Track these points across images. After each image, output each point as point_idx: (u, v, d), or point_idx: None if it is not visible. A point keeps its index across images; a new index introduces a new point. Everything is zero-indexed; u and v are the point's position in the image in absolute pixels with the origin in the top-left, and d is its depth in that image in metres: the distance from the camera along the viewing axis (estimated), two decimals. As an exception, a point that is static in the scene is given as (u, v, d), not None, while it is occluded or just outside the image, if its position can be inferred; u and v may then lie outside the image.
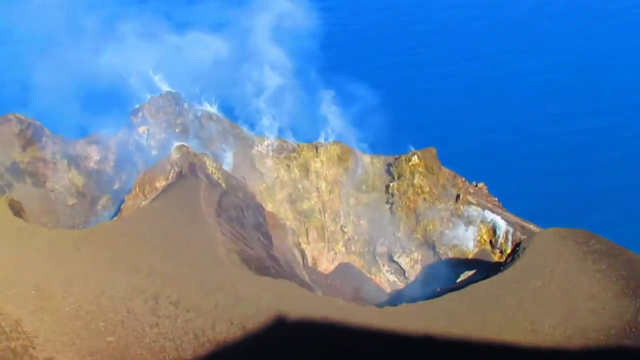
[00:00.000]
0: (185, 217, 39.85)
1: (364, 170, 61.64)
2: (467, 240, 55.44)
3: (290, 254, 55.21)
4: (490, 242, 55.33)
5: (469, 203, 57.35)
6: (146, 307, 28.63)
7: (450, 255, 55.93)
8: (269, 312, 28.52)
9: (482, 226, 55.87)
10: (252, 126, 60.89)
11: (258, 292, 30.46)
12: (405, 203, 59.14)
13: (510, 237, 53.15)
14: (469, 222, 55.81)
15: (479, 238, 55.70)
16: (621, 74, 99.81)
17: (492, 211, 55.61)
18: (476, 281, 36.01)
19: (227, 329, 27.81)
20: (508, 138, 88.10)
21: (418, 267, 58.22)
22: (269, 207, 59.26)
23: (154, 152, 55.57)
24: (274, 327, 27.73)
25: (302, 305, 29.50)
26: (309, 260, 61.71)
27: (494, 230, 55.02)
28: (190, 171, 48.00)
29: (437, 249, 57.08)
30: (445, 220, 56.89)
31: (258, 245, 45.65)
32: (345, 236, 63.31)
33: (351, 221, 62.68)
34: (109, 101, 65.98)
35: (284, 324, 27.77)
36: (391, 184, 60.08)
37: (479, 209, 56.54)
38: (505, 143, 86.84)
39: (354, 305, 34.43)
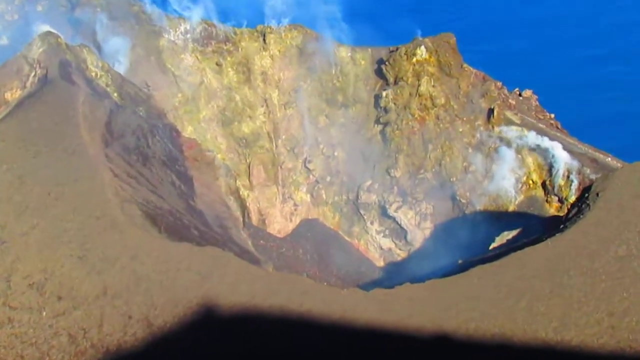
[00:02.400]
0: (52, 147, 35.94)
1: (340, 71, 58.54)
2: (506, 182, 51.65)
3: (223, 206, 50.89)
4: (543, 184, 50.94)
5: (509, 122, 53.12)
6: (-10, 291, 25.75)
7: (479, 206, 52.79)
8: (189, 300, 25.17)
9: (529, 159, 51.73)
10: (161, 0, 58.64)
11: (171, 267, 27.14)
12: (407, 123, 55.39)
13: (575, 177, 48.79)
14: (508, 153, 52.22)
15: (524, 178, 51.67)
16: None
17: (547, 135, 51.43)
18: (520, 248, 31.72)
19: (123, 327, 24.07)
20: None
21: (427, 225, 55.61)
22: (188, 131, 56.41)
23: (1, 42, 53.72)
24: (196, 324, 24.55)
25: (240, 288, 26.27)
26: (254, 215, 59.86)
27: (549, 166, 50.97)
28: (61, 74, 44.44)
29: (457, 197, 53.88)
30: (470, 150, 53.84)
31: (171, 193, 43.22)
32: (311, 177, 60.74)
33: (320, 153, 60.27)
34: None
35: (212, 320, 24.73)
36: (383, 93, 55.85)
37: (525, 131, 51.84)
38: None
39: (325, 287, 31.18)
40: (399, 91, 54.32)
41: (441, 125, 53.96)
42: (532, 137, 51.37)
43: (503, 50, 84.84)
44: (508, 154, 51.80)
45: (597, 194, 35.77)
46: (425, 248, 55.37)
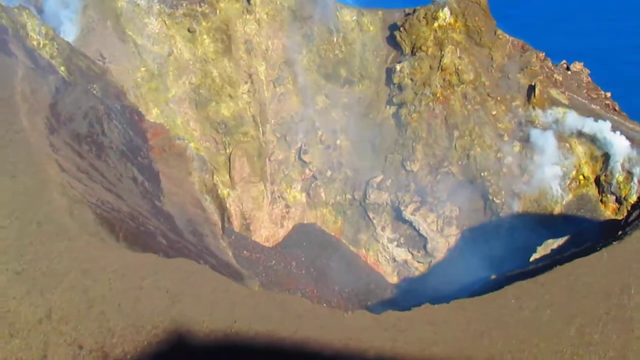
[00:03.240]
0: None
1: (344, 40, 59.33)
2: (550, 177, 52.55)
3: (197, 208, 50.57)
4: (597, 180, 51.65)
5: (554, 103, 53.30)
6: None
7: (518, 207, 53.50)
8: (154, 326, 24.13)
9: (580, 149, 52.62)
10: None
11: (132, 285, 26.11)
12: (426, 104, 56.00)
13: (637, 171, 49.43)
14: (553, 141, 52.83)
15: (573, 173, 52.67)
16: None
17: (601, 119, 51.34)
18: (569, 260, 30.15)
19: (72, 359, 23.09)
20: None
21: (452, 232, 56.06)
22: (153, 113, 56.74)
23: None
24: (163, 356, 23.48)
25: (219, 311, 25.37)
26: (236, 219, 60.81)
27: (604, 158, 51.78)
28: None
29: (489, 197, 54.78)
30: (506, 138, 54.53)
31: (132, 191, 42.97)
32: (307, 171, 61.47)
33: (319, 141, 61.18)
34: None
35: (182, 350, 23.75)
36: (397, 67, 56.71)
37: (574, 114, 52.37)
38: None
39: (325, 309, 30.75)
40: (416, 64, 54.54)
41: (469, 106, 54.29)
42: (583, 122, 51.85)
43: (547, 13, 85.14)
44: (553, 142, 52.05)
45: (666, 193, 34.92)
46: (449, 260, 55.53)
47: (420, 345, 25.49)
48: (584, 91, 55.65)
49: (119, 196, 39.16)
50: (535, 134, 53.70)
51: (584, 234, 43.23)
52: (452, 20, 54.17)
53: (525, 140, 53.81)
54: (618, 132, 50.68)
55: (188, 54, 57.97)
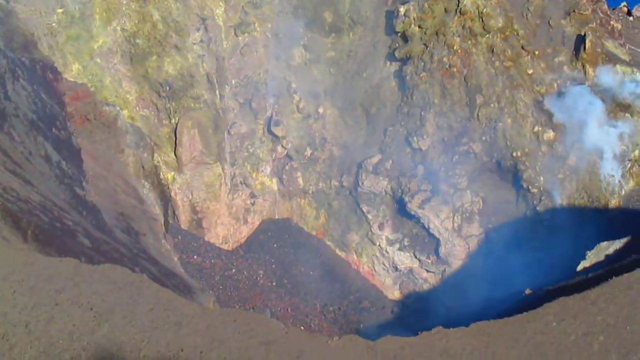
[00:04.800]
0: None
1: None
2: (605, 160, 52.60)
3: (131, 198, 52.18)
4: None
5: (611, 59, 53.49)
6: None
7: (561, 199, 53.79)
8: (74, 355, 23.63)
9: None
10: None
11: (44, 300, 25.39)
12: (440, 60, 56.50)
13: None
14: (608, 108, 53.05)
15: (636, 154, 52.49)
16: None
17: None
18: (629, 270, 30.07)
19: None
20: None
21: (473, 231, 56.31)
22: (73, 70, 56.67)
23: None
24: None
25: (160, 335, 24.98)
26: (184, 213, 61.33)
27: None
28: None
29: (523, 184, 54.82)
30: (543, 103, 54.50)
31: (45, 174, 42.70)
32: (280, 148, 62.27)
33: (295, 109, 61.82)
34: None
35: None
36: (401, 10, 57.35)
37: (638, 73, 52.80)
38: None
39: (303, 333, 29.84)
40: (427, 6, 54.67)
41: (497, 63, 53.89)
42: None
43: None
44: (610, 112, 52.45)
45: None
46: (469, 268, 55.65)
47: None
48: None
49: (27, 181, 39.19)
50: (584, 100, 52.96)
51: None
52: (473, -51, 52.77)
53: (575, 113, 52.88)
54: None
55: (118, -10, 56.24)
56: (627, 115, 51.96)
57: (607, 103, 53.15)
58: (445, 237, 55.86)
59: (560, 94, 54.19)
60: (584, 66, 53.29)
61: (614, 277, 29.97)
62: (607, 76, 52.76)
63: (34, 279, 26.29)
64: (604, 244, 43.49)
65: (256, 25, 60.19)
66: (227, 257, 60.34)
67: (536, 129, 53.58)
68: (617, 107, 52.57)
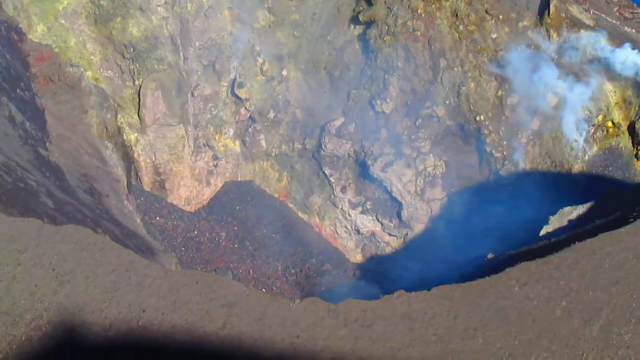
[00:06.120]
0: None
1: None
2: (569, 123, 53.21)
3: (94, 159, 51.66)
4: (631, 128, 52.12)
5: (575, 24, 54.23)
6: None
7: (524, 164, 54.30)
8: (36, 315, 23.80)
9: (608, 87, 53.17)
10: None
11: (7, 260, 25.43)
12: (404, 23, 56.42)
13: None
14: (572, 73, 53.22)
15: (599, 118, 53.16)
16: None
17: (638, 47, 51.73)
18: (591, 235, 29.90)
19: None
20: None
21: (436, 194, 56.84)
22: (38, 31, 56.35)
23: None
24: (45, 354, 23.04)
25: (121, 297, 24.90)
26: (146, 174, 61.16)
27: None
28: None
29: (486, 148, 55.40)
30: (509, 66, 54.56)
31: (8, 135, 43.22)
32: (243, 111, 62.14)
33: (259, 71, 61.56)
34: None
35: (71, 348, 23.47)
36: None
37: (602, 40, 53.15)
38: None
39: (264, 295, 28.98)
40: None
41: (462, 27, 54.23)
42: (614, 50, 52.10)
43: None
44: (572, 78, 52.51)
45: None
46: (432, 232, 55.89)
47: (391, 346, 25.16)
48: (615, 9, 55.29)
49: None
50: (547, 65, 53.33)
51: (613, 200, 41.85)
52: None
53: (541, 77, 53.30)
54: (662, 65, 51.05)
55: (81, -60, 55.96)
56: (592, 80, 52.16)
57: (570, 68, 53.09)
58: (407, 200, 56.21)
59: (530, 62, 54.10)
60: (547, 31, 53.63)
61: (577, 242, 29.60)
62: (572, 42, 53.05)
63: (-4, 240, 26.80)
64: (567, 208, 43.91)
65: (221, -20, 57.30)
66: (189, 219, 60.65)
67: (499, 92, 53.75)
68: (581, 72, 52.64)
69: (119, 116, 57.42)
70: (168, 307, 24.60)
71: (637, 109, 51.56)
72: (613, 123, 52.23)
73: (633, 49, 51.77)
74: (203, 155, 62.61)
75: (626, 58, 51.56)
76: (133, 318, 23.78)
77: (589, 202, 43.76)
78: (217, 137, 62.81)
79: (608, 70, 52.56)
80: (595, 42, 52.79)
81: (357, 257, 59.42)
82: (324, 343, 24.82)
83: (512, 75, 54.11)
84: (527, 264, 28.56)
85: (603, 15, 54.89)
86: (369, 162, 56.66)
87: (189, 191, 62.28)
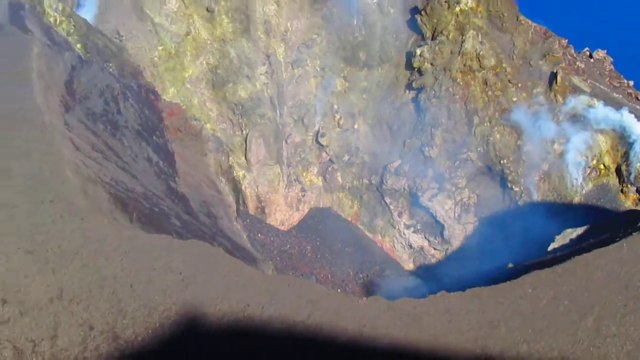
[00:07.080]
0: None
1: (364, 22, 61.17)
2: (571, 166, 55.13)
3: (212, 190, 54.20)
4: (618, 170, 54.02)
5: (576, 91, 56.19)
6: None
7: (537, 196, 55.51)
8: (166, 308, 25.95)
9: (601, 138, 54.61)
10: None
11: (145, 266, 28.05)
12: (447, 89, 58.23)
13: None
14: (574, 128, 55.24)
15: (594, 162, 55.09)
16: None
17: (624, 108, 54.00)
18: (588, 250, 32.23)
19: (82, 339, 24.04)
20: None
21: (470, 219, 58.71)
22: (170, 93, 59.93)
23: None
24: (174, 338, 25.22)
25: (232, 294, 27.24)
26: (251, 202, 63.96)
27: (626, 148, 53.99)
28: (11, 20, 46.39)
29: (508, 184, 56.77)
30: (526, 122, 56.51)
31: (147, 171, 45.09)
32: (324, 154, 64.67)
33: (336, 125, 63.84)
34: None
35: (194, 333, 25.78)
36: (418, 51, 59.21)
37: (596, 102, 55.12)
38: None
39: (339, 295, 31.39)
40: (437, 48, 56.97)
41: (490, 92, 56.70)
42: (605, 110, 53.60)
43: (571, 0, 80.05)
44: (574, 130, 54.41)
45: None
46: (466, 248, 58.13)
47: (434, 334, 26.99)
48: (607, 79, 58.49)
49: (133, 176, 41.29)
50: (559, 121, 55.45)
51: (604, 224, 44.49)
52: (473, 5, 55.92)
53: (549, 131, 55.37)
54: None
55: (206, 33, 60.45)
56: (589, 133, 54.09)
57: (572, 124, 55.27)
58: (448, 223, 58.77)
59: (525, 116, 56.46)
60: (555, 96, 56.01)
61: (576, 256, 31.75)
62: (573, 104, 55.53)
63: (137, 251, 28.74)
64: (569, 230, 47.26)
65: (308, 61, 62.79)
66: (283, 236, 63.25)
67: (518, 142, 56.10)
68: (581, 127, 54.60)
69: (230, 158, 59.94)
70: (266, 303, 27.02)
71: (622, 155, 53.08)
72: (604, 165, 53.90)
73: (618, 110, 53.48)
74: (294, 188, 65.70)
75: (613, 116, 53.45)
76: (240, 311, 26.20)
77: (585, 225, 47.00)
78: (304, 174, 65.52)
79: (600, 125, 54.49)
80: (591, 104, 54.72)
81: (410, 266, 61.62)
82: (384, 331, 27.07)
83: (527, 129, 56.19)
84: (538, 272, 31.26)
85: (597, 83, 57.15)
86: (419, 194, 59.25)
87: (283, 215, 65.21)
